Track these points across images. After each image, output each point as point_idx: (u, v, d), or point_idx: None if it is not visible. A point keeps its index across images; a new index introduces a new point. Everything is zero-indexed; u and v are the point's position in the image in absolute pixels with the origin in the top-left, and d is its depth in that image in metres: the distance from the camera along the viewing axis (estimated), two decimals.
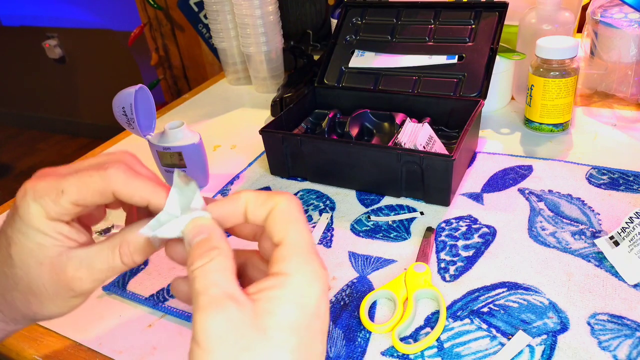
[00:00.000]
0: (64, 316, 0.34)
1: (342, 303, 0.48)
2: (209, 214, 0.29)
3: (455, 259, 0.51)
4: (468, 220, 0.56)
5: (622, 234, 0.48)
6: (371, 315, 0.47)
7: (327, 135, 0.69)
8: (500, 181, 0.62)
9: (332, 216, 0.60)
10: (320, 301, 0.27)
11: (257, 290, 0.26)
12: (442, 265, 0.51)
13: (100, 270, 0.32)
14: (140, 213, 0.35)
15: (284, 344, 0.25)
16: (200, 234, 0.28)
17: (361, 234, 0.56)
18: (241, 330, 0.24)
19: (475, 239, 0.54)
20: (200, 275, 0.26)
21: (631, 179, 0.60)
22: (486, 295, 0.47)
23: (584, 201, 0.57)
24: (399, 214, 0.59)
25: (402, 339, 0.44)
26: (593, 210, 0.56)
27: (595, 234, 0.52)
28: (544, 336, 0.42)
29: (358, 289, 0.49)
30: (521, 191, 0.60)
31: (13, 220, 0.31)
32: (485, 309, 0.45)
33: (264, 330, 0.25)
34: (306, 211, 0.61)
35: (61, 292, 0.32)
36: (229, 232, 0.32)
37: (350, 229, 0.57)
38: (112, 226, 0.63)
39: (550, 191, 0.59)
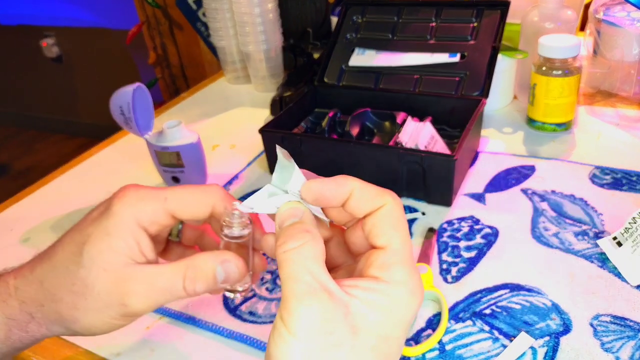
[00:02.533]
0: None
1: None
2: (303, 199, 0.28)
3: (457, 260, 0.51)
4: (470, 221, 0.56)
5: (625, 234, 0.48)
6: None
7: (327, 134, 0.69)
8: (502, 181, 0.62)
9: None
10: (413, 317, 0.27)
11: (353, 286, 0.26)
12: (444, 266, 0.50)
13: (160, 289, 0.31)
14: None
15: (372, 350, 0.25)
16: (293, 217, 0.28)
17: None
18: (333, 325, 0.24)
19: (478, 239, 0.53)
20: (292, 259, 0.26)
21: (634, 179, 0.59)
22: (488, 297, 0.46)
23: (587, 201, 0.57)
24: None
25: None
26: (596, 211, 0.55)
27: (598, 235, 0.52)
28: (547, 338, 0.42)
29: None
30: (524, 191, 0.60)
31: (100, 219, 0.32)
32: (488, 311, 0.45)
33: (356, 331, 0.25)
34: None
35: (113, 305, 0.31)
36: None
37: None
38: None
39: (553, 191, 0.59)
